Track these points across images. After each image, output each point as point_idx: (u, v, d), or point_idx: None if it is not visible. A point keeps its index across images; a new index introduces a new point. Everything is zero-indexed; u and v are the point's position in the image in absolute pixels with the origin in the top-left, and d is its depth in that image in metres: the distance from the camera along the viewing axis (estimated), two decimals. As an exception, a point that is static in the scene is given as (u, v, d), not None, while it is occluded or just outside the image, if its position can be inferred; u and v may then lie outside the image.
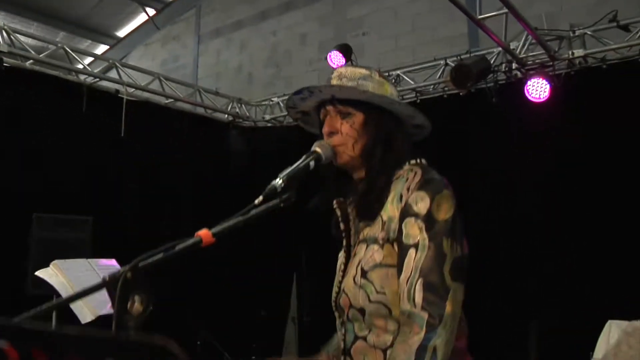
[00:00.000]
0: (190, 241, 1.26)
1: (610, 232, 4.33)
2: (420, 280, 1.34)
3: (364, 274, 1.44)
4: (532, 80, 4.58)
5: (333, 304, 1.56)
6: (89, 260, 3.00)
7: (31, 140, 4.82)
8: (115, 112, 5.29)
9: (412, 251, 1.37)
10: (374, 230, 1.47)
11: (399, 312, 1.38)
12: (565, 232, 4.57)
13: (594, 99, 4.51)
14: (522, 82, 4.69)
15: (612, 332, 2.90)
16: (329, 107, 1.55)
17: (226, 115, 6.52)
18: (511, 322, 4.41)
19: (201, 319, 5.33)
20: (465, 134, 5.12)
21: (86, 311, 2.63)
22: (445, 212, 1.39)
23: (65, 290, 2.72)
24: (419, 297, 1.33)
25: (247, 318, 5.97)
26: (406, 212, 1.40)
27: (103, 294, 3.11)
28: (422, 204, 1.39)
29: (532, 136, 4.73)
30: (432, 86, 5.47)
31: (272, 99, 6.59)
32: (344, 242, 1.60)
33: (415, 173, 1.46)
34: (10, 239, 4.53)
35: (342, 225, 1.61)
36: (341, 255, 1.62)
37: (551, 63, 4.68)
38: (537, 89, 4.58)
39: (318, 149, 1.50)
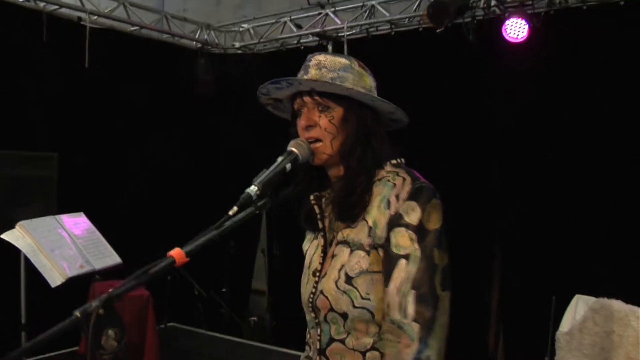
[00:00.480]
0: (163, 263, 1.22)
1: (597, 182, 4.33)
2: (412, 292, 1.35)
3: (349, 279, 1.43)
4: (511, 19, 4.46)
5: (308, 303, 1.54)
6: (56, 217, 2.91)
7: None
8: (78, 41, 5.03)
9: (402, 261, 1.37)
10: (358, 234, 1.46)
11: (381, 317, 1.40)
12: (544, 177, 4.59)
13: (573, 40, 4.45)
14: (500, 20, 4.57)
15: (579, 307, 2.97)
16: (307, 99, 1.49)
17: (194, 43, 6.26)
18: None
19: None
20: (439, 69, 5.02)
21: (56, 274, 2.58)
22: (435, 223, 1.40)
23: (32, 252, 2.66)
24: (411, 308, 1.34)
25: (217, 250, 6.01)
26: (396, 222, 1.40)
27: (73, 252, 3.03)
28: (413, 215, 1.39)
29: (509, 76, 4.66)
30: (407, 19, 5.30)
31: (242, 25, 6.35)
32: (322, 241, 1.57)
33: (404, 180, 1.45)
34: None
35: (320, 224, 1.57)
36: (312, 251, 1.60)
37: (531, 1, 4.55)
38: (515, 29, 4.47)
39: (294, 149, 1.45)
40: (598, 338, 2.83)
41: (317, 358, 1.52)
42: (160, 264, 1.21)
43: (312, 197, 1.58)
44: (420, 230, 1.38)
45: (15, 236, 2.64)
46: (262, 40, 6.18)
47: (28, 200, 4.65)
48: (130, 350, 4.01)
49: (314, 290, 1.52)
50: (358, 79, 1.50)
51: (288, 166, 1.43)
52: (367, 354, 1.43)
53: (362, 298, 1.41)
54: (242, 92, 6.03)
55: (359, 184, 1.47)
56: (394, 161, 1.52)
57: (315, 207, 1.58)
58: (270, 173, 1.39)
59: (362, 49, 5.33)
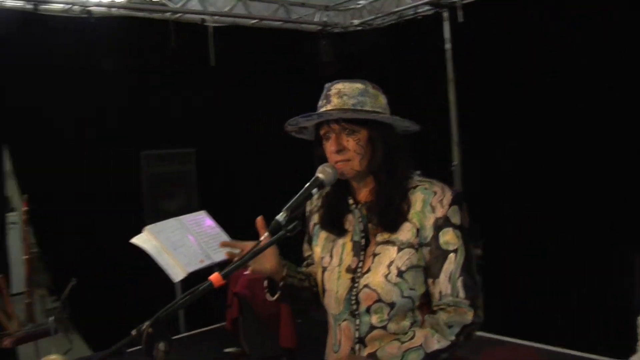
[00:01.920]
0: (203, 286, 1.40)
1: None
2: (461, 278, 1.62)
3: (400, 273, 1.64)
4: None
5: (350, 297, 1.71)
6: (179, 218, 3.24)
7: (132, 83, 5.13)
8: (203, 42, 5.42)
9: (452, 255, 1.63)
10: (406, 235, 1.66)
11: (418, 304, 1.67)
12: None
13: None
14: None
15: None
16: (334, 126, 1.67)
17: (315, 26, 6.43)
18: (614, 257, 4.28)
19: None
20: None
21: (178, 270, 2.90)
22: (467, 222, 1.68)
23: (157, 253, 2.99)
24: (462, 291, 1.62)
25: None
26: (445, 224, 1.64)
27: (194, 249, 3.34)
28: (456, 217, 1.65)
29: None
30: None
31: (359, 2, 6.40)
32: (355, 241, 1.75)
33: (443, 188, 1.68)
34: (123, 176, 5.00)
35: (361, 226, 1.75)
36: (338, 250, 1.78)
37: None
38: None
39: (320, 175, 1.67)
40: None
41: (357, 346, 1.70)
42: (200, 287, 1.39)
43: (351, 201, 1.78)
44: (461, 229, 1.65)
45: (142, 239, 2.96)
46: (379, 15, 6.19)
47: (173, 193, 5.19)
48: (268, 319, 4.38)
49: (356, 285, 1.69)
50: (374, 101, 1.68)
51: (314, 191, 1.65)
52: (409, 332, 1.66)
53: (410, 289, 1.65)
54: (367, 69, 6.13)
55: (395, 195, 1.68)
56: (417, 172, 1.74)
57: (356, 211, 1.77)
58: (297, 200, 1.61)
59: (478, 13, 5.22)
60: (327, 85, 1.71)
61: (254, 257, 1.53)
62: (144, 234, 3.19)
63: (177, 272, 2.98)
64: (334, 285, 1.75)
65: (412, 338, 1.64)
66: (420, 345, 1.61)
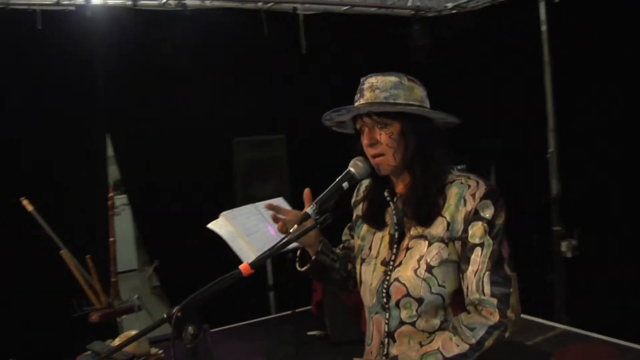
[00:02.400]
0: (232, 274, 1.47)
1: None
2: (487, 274, 1.58)
3: (429, 268, 1.64)
4: None
5: (382, 290, 1.72)
6: (255, 204, 3.35)
7: (223, 74, 5.33)
8: (295, 30, 5.51)
9: (478, 249, 1.61)
10: (437, 229, 1.67)
11: (449, 302, 1.66)
12: None
13: None
14: None
15: None
16: (366, 120, 1.69)
17: (408, 10, 6.33)
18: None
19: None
20: None
21: (251, 255, 3.03)
22: (501, 218, 1.65)
23: (231, 238, 3.12)
24: (487, 287, 1.57)
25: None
26: (474, 217, 1.63)
27: (268, 235, 3.46)
28: (488, 211, 1.63)
29: None
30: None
31: (453, -16, 6.21)
32: (391, 234, 1.77)
33: (478, 182, 1.67)
34: (216, 163, 5.25)
35: (395, 219, 1.78)
36: (377, 242, 1.81)
37: None
38: None
39: (352, 169, 1.74)
40: None
41: (386, 340, 1.72)
42: (229, 276, 1.46)
43: (386, 194, 1.81)
44: (491, 224, 1.62)
45: (218, 225, 3.08)
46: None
47: (264, 178, 5.35)
48: (351, 304, 4.42)
49: (387, 278, 1.71)
50: (409, 94, 1.68)
51: (345, 185, 1.72)
52: (436, 332, 1.65)
53: (439, 285, 1.64)
54: (460, 53, 5.99)
55: (429, 188, 1.68)
56: (459, 167, 1.73)
57: (391, 204, 1.79)
58: (328, 193, 1.69)
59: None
60: (362, 79, 1.73)
61: (282, 249, 1.58)
62: (220, 219, 3.32)
63: (249, 258, 3.10)
64: (369, 277, 1.77)
65: (431, 341, 1.63)
66: (438, 349, 1.59)
